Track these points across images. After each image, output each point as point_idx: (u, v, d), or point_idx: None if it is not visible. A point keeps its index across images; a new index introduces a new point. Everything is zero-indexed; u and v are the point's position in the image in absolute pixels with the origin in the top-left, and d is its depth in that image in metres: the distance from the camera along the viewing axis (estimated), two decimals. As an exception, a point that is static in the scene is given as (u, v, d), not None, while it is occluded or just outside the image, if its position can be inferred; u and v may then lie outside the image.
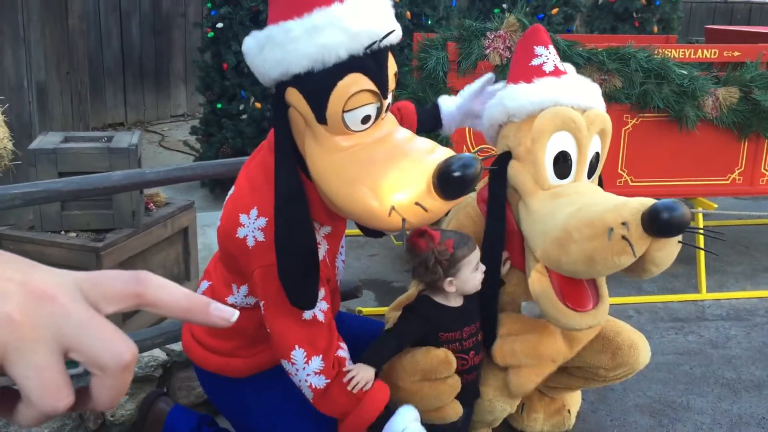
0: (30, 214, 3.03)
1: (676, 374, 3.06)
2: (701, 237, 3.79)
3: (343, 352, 1.94)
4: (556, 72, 2.11)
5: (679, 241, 1.84)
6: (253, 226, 1.82)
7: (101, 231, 2.99)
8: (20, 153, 3.16)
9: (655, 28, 5.68)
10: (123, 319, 3.02)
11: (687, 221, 1.74)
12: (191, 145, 5.63)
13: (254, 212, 1.83)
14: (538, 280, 1.96)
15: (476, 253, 2.06)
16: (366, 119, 1.75)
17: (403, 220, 1.63)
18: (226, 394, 2.16)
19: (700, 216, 3.84)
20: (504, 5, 5.28)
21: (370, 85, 1.70)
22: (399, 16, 4.77)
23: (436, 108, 2.37)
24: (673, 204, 1.74)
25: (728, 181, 3.83)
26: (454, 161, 1.63)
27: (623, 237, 1.75)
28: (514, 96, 2.10)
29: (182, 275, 3.42)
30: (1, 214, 3.83)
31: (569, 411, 2.60)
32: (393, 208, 1.62)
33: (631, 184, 3.75)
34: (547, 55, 2.11)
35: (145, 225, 3.09)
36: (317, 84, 1.69)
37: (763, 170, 3.82)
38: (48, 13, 4.78)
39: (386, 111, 1.82)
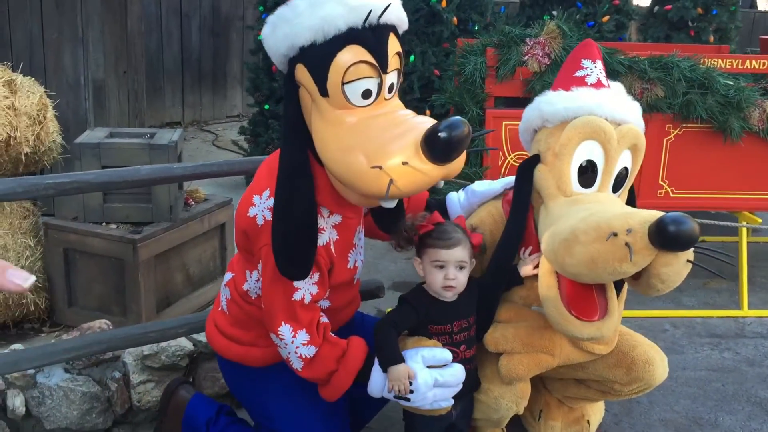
0: (75, 205, 3.17)
1: (707, 390, 2.99)
2: (745, 253, 3.69)
3: (325, 318, 2.03)
4: (598, 85, 2.13)
5: (689, 260, 1.82)
6: (263, 206, 1.91)
7: (140, 224, 3.11)
8: (69, 147, 3.32)
9: (711, 38, 5.54)
10: (157, 311, 3.13)
11: (694, 237, 1.73)
12: (240, 145, 5.77)
13: (266, 193, 1.92)
14: (546, 283, 1.97)
15: (446, 254, 2.03)
16: (367, 94, 1.82)
17: (390, 181, 1.67)
18: (244, 383, 2.23)
19: (744, 231, 3.74)
20: (554, 12, 5.24)
21: (369, 57, 1.79)
22: (445, 22, 4.80)
23: (443, 203, 2.40)
24: (682, 218, 1.73)
25: (775, 196, 3.71)
26: (441, 124, 1.69)
27: (627, 244, 1.74)
28: (551, 101, 2.13)
29: (218, 270, 3.52)
30: (51, 204, 4.00)
31: (588, 421, 2.57)
32: (380, 167, 1.68)
33: (672, 195, 3.68)
34: (593, 69, 2.14)
35: (182, 220, 3.19)
36: (318, 55, 1.78)
37: (812, 185, 3.70)
38: (108, 14, 4.97)
39: (390, 91, 1.87)
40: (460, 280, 2.05)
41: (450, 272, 2.04)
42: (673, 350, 3.32)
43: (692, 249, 1.83)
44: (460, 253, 2.04)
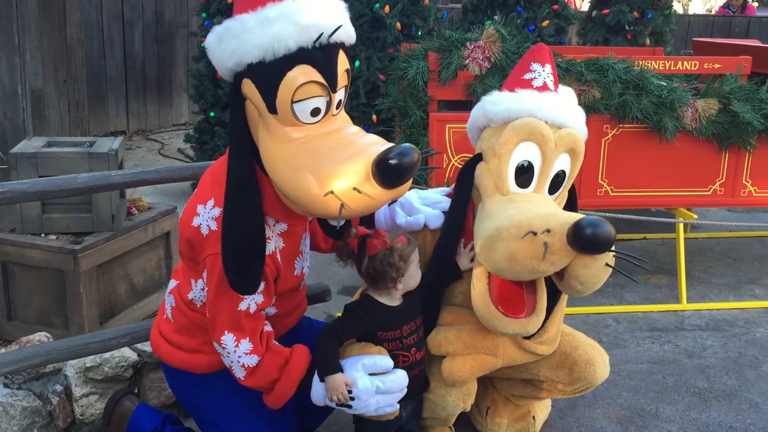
0: (13, 217, 3.09)
1: (648, 383, 3.08)
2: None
3: (268, 326, 2.04)
4: (543, 88, 2.18)
5: (607, 264, 1.88)
6: (207, 216, 1.90)
7: (81, 234, 3.05)
8: (5, 158, 3.24)
9: (648, 41, 5.71)
10: (101, 322, 3.07)
11: (610, 240, 1.80)
12: (186, 153, 5.70)
13: (210, 203, 1.92)
14: (477, 278, 2.02)
15: (417, 250, 2.12)
16: (315, 112, 1.83)
17: (341, 205, 1.69)
18: (190, 390, 2.22)
19: (681, 227, 3.86)
20: (496, 17, 5.33)
21: (318, 77, 1.79)
22: (389, 27, 4.83)
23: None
24: (598, 222, 1.80)
25: (709, 193, 3.84)
26: (392, 150, 1.72)
27: (544, 243, 1.81)
28: (496, 101, 2.19)
29: (163, 279, 3.47)
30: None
31: (534, 417, 2.62)
32: (331, 192, 1.69)
33: (611, 194, 3.78)
34: (540, 72, 2.19)
35: (125, 229, 3.15)
36: (268, 73, 1.78)
37: (744, 182, 3.83)
38: (46, 22, 4.87)
39: (338, 107, 1.89)
40: None
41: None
42: (615, 344, 3.40)
43: (612, 254, 1.90)
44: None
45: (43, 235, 3.03)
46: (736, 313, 3.81)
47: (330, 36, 1.79)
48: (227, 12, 5.00)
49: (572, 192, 2.31)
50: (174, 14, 8.01)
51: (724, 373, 3.17)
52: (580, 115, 2.23)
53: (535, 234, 1.84)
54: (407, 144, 1.75)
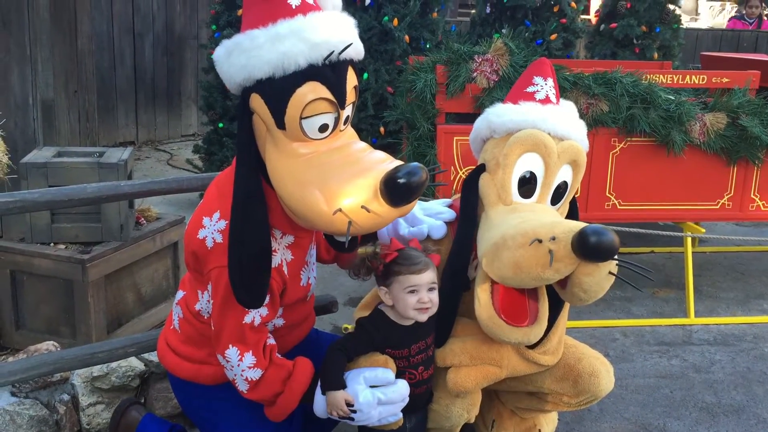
0: (22, 226, 3.11)
1: (656, 397, 3.06)
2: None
3: (272, 339, 2.04)
4: (545, 101, 2.21)
5: (611, 272, 1.89)
6: (213, 228, 1.91)
7: (90, 244, 3.07)
8: (15, 167, 3.26)
9: (656, 55, 5.71)
10: (108, 332, 3.08)
11: (614, 248, 1.81)
12: (194, 164, 5.73)
13: (216, 215, 1.92)
14: (481, 290, 2.02)
15: (415, 278, 2.04)
16: (324, 128, 1.84)
17: (349, 222, 1.70)
18: (196, 402, 2.22)
19: (689, 241, 3.85)
20: (504, 30, 5.34)
21: (328, 94, 1.80)
22: (398, 40, 4.86)
23: None
24: (602, 230, 1.82)
25: (717, 206, 3.83)
26: (400, 169, 1.72)
27: (549, 251, 1.82)
28: (499, 113, 2.22)
29: (171, 289, 3.48)
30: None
31: (540, 431, 2.61)
32: (339, 210, 1.70)
33: (619, 207, 3.77)
34: (543, 86, 2.22)
35: (133, 239, 3.16)
36: (277, 90, 1.79)
37: (752, 196, 3.83)
38: (57, 33, 4.92)
39: (345, 123, 1.90)
40: (433, 300, 2.08)
41: (423, 295, 2.05)
42: (623, 358, 3.39)
43: (615, 262, 1.90)
44: (430, 275, 2.07)
45: (52, 244, 3.05)
46: (745, 327, 3.79)
47: (340, 53, 1.80)
48: (237, 24, 5.04)
49: (573, 203, 2.33)
50: (184, 26, 8.08)
51: (732, 388, 3.15)
52: (581, 127, 2.25)
53: (540, 242, 1.85)
54: (415, 163, 1.76)
